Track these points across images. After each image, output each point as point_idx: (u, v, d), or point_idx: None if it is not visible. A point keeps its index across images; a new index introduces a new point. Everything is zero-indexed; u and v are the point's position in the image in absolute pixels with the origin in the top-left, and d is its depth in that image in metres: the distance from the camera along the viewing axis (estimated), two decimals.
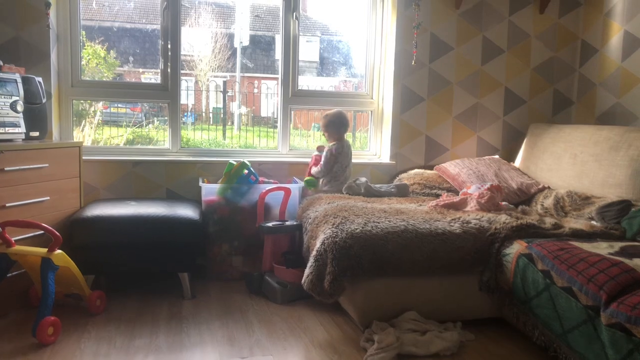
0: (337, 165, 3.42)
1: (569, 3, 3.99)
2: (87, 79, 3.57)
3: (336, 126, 3.46)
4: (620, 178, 2.97)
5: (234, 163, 3.27)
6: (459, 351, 2.31)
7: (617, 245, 2.34)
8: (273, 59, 4.34)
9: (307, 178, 3.47)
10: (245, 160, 3.30)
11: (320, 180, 3.49)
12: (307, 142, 4.16)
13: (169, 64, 3.57)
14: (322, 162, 3.41)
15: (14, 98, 2.71)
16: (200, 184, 3.23)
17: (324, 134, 3.54)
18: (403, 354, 2.23)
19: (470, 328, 2.49)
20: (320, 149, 3.54)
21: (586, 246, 2.29)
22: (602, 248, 2.29)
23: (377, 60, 3.91)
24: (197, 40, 4.21)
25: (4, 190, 2.52)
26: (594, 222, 2.77)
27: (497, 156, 3.86)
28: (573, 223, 2.75)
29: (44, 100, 2.99)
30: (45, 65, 3.23)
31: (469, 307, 2.56)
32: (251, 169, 3.28)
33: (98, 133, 3.88)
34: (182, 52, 3.65)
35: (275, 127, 3.95)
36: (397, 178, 3.75)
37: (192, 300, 2.86)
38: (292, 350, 2.31)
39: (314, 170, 3.46)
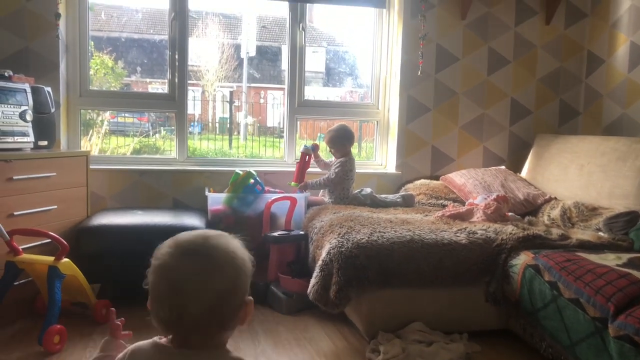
0: (347, 181, 3.39)
1: (575, 14, 4.00)
2: (95, 88, 3.60)
3: (341, 140, 3.42)
4: (628, 189, 2.95)
5: (240, 172, 3.28)
6: None
7: (625, 256, 2.33)
8: (279, 70, 4.37)
9: (293, 183, 3.41)
10: (252, 170, 3.31)
11: (321, 191, 3.49)
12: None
13: (176, 74, 3.59)
14: (333, 174, 3.35)
15: (23, 107, 2.74)
16: (207, 193, 3.23)
17: (330, 150, 3.49)
18: None
19: (477, 339, 2.47)
20: (309, 151, 3.42)
21: (593, 257, 2.28)
22: (610, 259, 2.28)
23: (383, 71, 3.93)
24: (204, 50, 4.25)
25: (12, 199, 2.54)
26: (601, 233, 2.75)
27: (503, 167, 3.86)
28: (580, 234, 2.73)
29: (52, 110, 3.01)
30: (54, 75, 3.26)
31: (475, 318, 2.55)
32: (257, 178, 3.28)
33: (105, 142, 3.91)
34: (189, 63, 3.68)
35: (282, 137, 3.96)
36: (403, 188, 3.75)
37: None
38: None
39: (316, 181, 3.42)
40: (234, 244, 1.00)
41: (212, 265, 0.95)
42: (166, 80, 3.65)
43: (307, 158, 3.42)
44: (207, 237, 1.00)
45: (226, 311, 0.96)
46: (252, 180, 3.25)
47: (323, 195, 3.49)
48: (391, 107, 3.90)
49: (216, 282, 0.95)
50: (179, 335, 0.98)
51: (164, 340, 1.02)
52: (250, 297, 1.02)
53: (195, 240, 0.99)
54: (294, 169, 3.49)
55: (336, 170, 3.36)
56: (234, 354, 1.01)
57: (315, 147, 3.46)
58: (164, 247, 0.98)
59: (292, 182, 3.41)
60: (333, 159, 3.49)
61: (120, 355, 1.04)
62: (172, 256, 0.96)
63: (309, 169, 3.48)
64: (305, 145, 3.46)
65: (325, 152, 3.73)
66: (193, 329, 0.96)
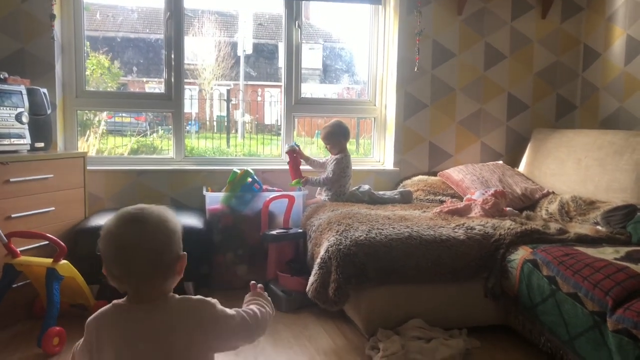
0: (344, 178, 3.38)
1: (571, 8, 3.99)
2: (92, 89, 3.59)
3: (337, 136, 3.41)
4: (625, 182, 2.96)
5: (238, 171, 3.28)
6: (465, 358, 2.29)
7: (623, 250, 2.33)
8: (276, 67, 4.36)
9: (293, 182, 3.42)
10: (249, 169, 3.30)
11: (318, 189, 3.49)
12: (311, 150, 4.16)
13: (172, 73, 3.58)
14: (331, 173, 3.35)
15: (19, 109, 2.73)
16: (204, 192, 3.23)
17: (326, 146, 3.50)
18: None
19: (476, 335, 2.48)
20: (293, 148, 3.43)
21: (591, 251, 2.28)
22: (608, 253, 2.28)
23: (379, 67, 3.92)
24: (201, 49, 4.24)
25: (9, 202, 2.53)
26: (599, 227, 2.75)
27: (500, 162, 3.85)
28: (578, 228, 2.74)
29: (48, 111, 3.01)
30: (50, 76, 3.25)
31: (474, 314, 2.55)
32: (255, 177, 3.28)
33: (102, 143, 3.90)
34: (186, 61, 3.67)
35: (279, 134, 3.96)
36: (401, 184, 3.74)
37: None
38: (297, 358, 2.31)
39: (316, 178, 3.41)
40: (166, 211, 1.22)
41: (148, 228, 1.16)
42: (163, 80, 3.64)
43: (294, 155, 3.41)
44: (143, 207, 1.20)
45: (164, 263, 1.18)
46: (249, 179, 3.24)
47: (319, 194, 3.49)
48: (388, 103, 3.89)
49: (152, 241, 1.16)
50: (130, 288, 1.19)
51: (121, 300, 1.21)
52: (184, 253, 1.22)
53: (134, 211, 1.19)
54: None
55: (333, 169, 3.35)
56: (179, 297, 1.22)
57: (296, 144, 3.47)
58: (110, 220, 1.19)
59: (293, 182, 3.41)
60: (330, 156, 3.49)
61: (90, 319, 1.23)
62: (116, 225, 1.17)
63: (304, 167, 3.50)
64: (287, 145, 3.48)
65: (322, 149, 3.73)
66: (140, 280, 1.17)
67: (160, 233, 1.18)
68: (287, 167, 3.50)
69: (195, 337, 1.17)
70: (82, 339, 1.24)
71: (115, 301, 1.21)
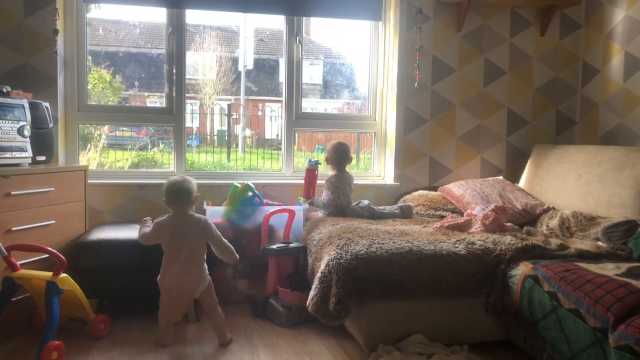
0: (341, 197, 3.38)
1: (569, 25, 4.03)
2: (93, 103, 3.61)
3: (331, 154, 3.44)
4: (625, 198, 2.96)
5: (239, 185, 3.28)
6: None
7: (624, 266, 2.33)
8: (277, 82, 4.39)
9: (302, 199, 3.44)
10: (250, 183, 3.31)
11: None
12: None
13: (174, 87, 3.60)
14: (327, 195, 3.38)
15: (21, 123, 2.74)
16: (205, 206, 3.23)
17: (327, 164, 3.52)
18: None
19: (478, 351, 2.46)
20: (312, 166, 3.43)
21: (592, 267, 2.28)
22: (609, 269, 2.28)
23: (380, 83, 3.95)
24: (202, 64, 4.27)
25: (10, 215, 2.54)
26: (600, 243, 2.75)
27: (501, 177, 3.86)
28: (579, 244, 2.73)
29: (50, 125, 3.02)
30: (52, 90, 3.27)
31: (475, 329, 2.54)
32: (255, 191, 3.28)
33: (103, 156, 3.91)
34: (187, 76, 3.69)
35: (280, 149, 3.97)
36: (401, 199, 3.75)
37: (197, 324, 2.85)
38: None
39: (318, 200, 3.43)
40: (191, 179, 2.56)
41: (185, 183, 2.51)
42: (164, 94, 3.66)
43: (311, 174, 3.41)
44: (181, 177, 2.54)
45: (192, 199, 2.52)
46: (250, 193, 3.25)
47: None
48: (388, 118, 3.91)
49: (188, 188, 2.50)
50: (178, 209, 2.51)
51: (171, 214, 2.51)
52: (197, 195, 2.58)
53: (180, 177, 2.53)
54: (292, 182, 3.50)
55: (325, 190, 3.40)
56: (196, 215, 2.55)
57: (317, 162, 3.46)
58: (170, 181, 2.53)
59: (301, 198, 3.42)
60: None
61: (159, 220, 2.52)
62: (174, 183, 2.51)
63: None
64: (309, 161, 3.45)
65: (323, 164, 3.74)
66: (184, 203, 2.49)
67: (190, 185, 2.52)
68: (288, 181, 3.48)
69: (200, 232, 2.50)
70: (150, 230, 2.52)
71: (169, 214, 2.52)
